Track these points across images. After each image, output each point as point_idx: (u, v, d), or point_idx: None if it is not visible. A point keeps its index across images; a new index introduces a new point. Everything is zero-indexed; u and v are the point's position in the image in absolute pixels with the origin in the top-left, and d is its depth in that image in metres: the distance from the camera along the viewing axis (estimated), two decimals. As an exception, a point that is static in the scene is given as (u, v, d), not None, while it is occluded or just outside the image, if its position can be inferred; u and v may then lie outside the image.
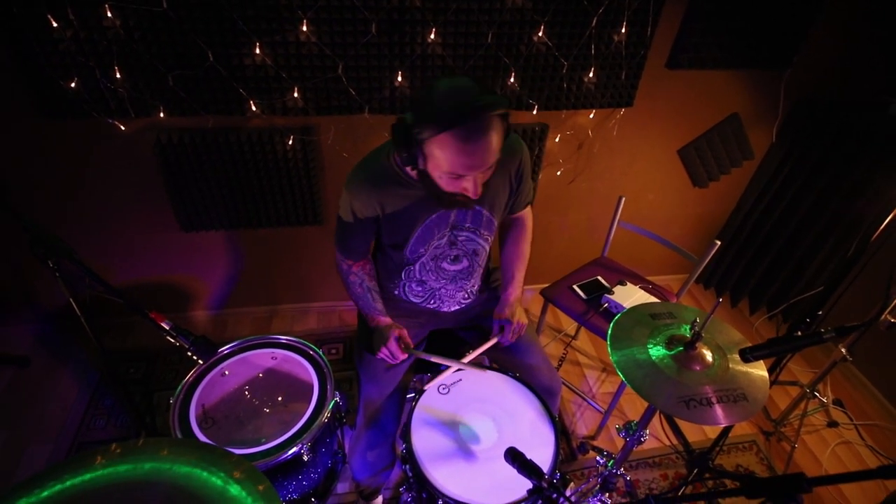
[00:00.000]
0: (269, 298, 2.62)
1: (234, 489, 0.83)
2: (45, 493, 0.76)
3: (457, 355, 1.49)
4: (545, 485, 1.04)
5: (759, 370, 1.23)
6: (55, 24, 1.56)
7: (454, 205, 1.26)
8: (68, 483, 0.82)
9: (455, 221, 1.38)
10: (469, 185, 1.15)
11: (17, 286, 2.32)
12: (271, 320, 2.64)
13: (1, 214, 1.95)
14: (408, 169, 1.26)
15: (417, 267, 1.46)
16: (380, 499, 1.78)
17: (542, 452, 1.32)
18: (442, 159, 1.10)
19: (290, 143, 1.97)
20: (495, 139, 1.09)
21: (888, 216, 1.33)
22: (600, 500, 1.68)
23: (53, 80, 1.67)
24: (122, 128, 1.83)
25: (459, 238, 1.42)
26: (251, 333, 2.07)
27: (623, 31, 1.92)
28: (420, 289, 1.53)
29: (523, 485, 1.21)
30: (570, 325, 2.67)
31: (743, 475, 1.97)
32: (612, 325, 1.32)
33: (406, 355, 1.44)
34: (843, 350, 1.88)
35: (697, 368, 1.22)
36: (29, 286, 2.33)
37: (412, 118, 1.10)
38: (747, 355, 1.10)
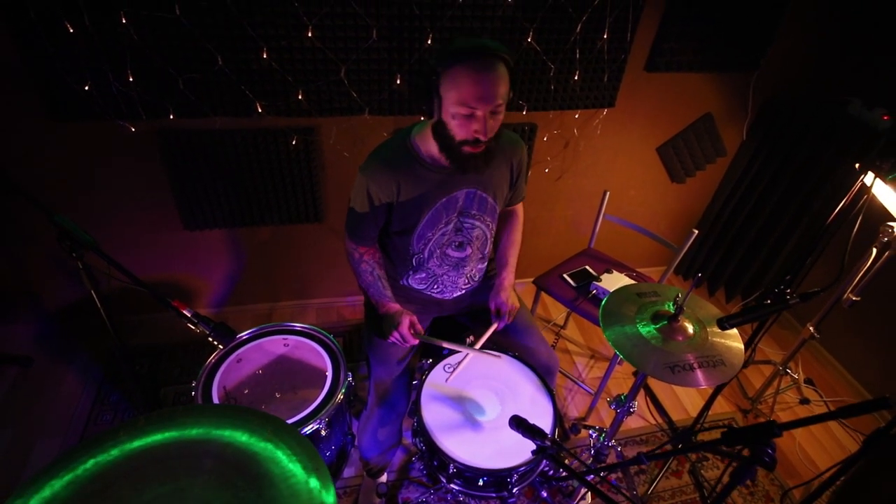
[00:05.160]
0: (268, 295, 2.69)
1: (276, 447, 0.93)
2: (115, 452, 0.85)
3: (460, 341, 1.60)
4: (549, 443, 1.17)
5: (735, 341, 1.37)
6: (71, 31, 1.63)
7: (467, 166, 1.33)
8: (126, 447, 0.91)
9: (463, 207, 1.49)
10: (479, 126, 1.25)
11: (17, 286, 2.35)
12: (271, 317, 2.70)
13: (24, 210, 1.97)
14: (423, 149, 1.38)
15: (426, 254, 1.55)
16: (384, 477, 1.87)
17: (542, 422, 1.43)
18: (454, 93, 1.21)
19: (294, 143, 2.06)
20: (502, 78, 1.22)
21: (841, 202, 1.50)
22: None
23: (67, 84, 1.73)
24: (132, 129, 1.90)
25: (465, 225, 1.52)
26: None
27: (605, 36, 2.07)
28: (424, 275, 1.62)
29: (526, 449, 1.34)
30: (558, 315, 2.80)
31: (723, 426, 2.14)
32: (603, 302, 1.44)
33: (416, 340, 1.51)
34: (811, 328, 2.05)
35: (680, 339, 1.35)
36: (29, 287, 2.37)
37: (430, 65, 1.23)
38: (724, 323, 1.24)
